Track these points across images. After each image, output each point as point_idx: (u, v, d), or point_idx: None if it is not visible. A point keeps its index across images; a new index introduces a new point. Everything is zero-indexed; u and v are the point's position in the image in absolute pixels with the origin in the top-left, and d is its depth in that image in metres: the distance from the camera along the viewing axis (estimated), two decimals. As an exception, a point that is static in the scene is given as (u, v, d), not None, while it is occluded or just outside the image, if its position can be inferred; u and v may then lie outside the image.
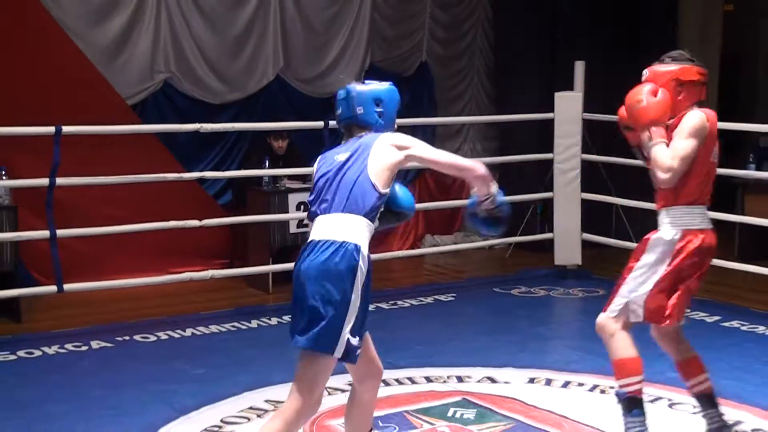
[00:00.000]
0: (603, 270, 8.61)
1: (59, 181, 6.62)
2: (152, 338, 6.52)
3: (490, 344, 6.45)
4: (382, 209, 3.81)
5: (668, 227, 4.19)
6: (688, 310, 4.54)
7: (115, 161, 7.31)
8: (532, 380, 5.59)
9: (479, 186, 3.88)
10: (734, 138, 10.25)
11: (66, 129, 6.58)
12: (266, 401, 5.18)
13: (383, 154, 3.77)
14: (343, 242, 3.63)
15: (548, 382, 5.57)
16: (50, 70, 7.63)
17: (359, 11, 9.27)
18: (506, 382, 5.54)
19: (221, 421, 4.87)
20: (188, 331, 6.67)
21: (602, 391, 5.42)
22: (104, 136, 7.24)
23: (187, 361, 5.97)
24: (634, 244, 8.33)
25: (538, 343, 6.55)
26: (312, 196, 3.83)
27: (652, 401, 5.26)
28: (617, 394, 4.21)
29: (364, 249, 3.67)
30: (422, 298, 7.75)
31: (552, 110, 8.57)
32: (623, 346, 4.18)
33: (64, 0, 7.78)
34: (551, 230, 8.75)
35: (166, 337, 6.56)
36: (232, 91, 8.66)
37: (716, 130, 4.23)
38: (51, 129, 6.53)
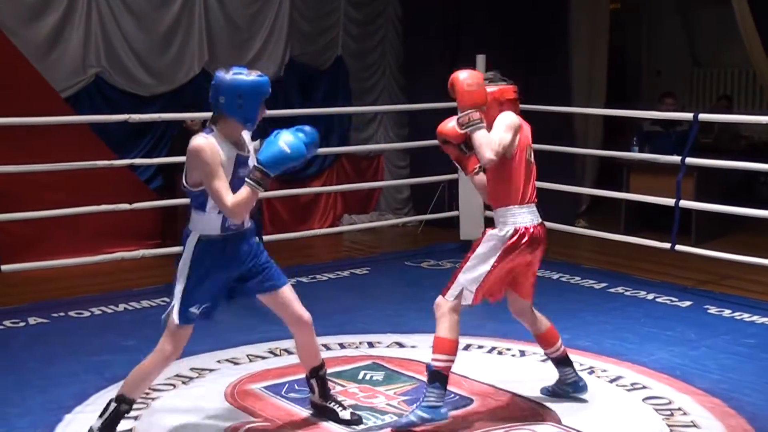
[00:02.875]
0: (503, 244, 8.72)
1: (-4, 168, 6.49)
2: (86, 314, 6.42)
3: (400, 312, 6.47)
4: (201, 199, 3.95)
5: (500, 225, 4.30)
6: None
7: (50, 150, 7.14)
8: (436, 344, 5.63)
9: None
10: (620, 123, 10.47)
11: (1, 120, 6.46)
12: (191, 369, 5.14)
13: (186, 159, 3.95)
14: (185, 229, 4.08)
15: (451, 345, 5.61)
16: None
17: (279, 9, 9.19)
18: (413, 347, 5.57)
19: (149, 388, 4.81)
20: (121, 307, 6.58)
21: (499, 353, 5.50)
22: (40, 126, 7.07)
23: (119, 334, 5.89)
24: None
25: (444, 310, 6.59)
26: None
27: (543, 360, 5.34)
28: (427, 366, 4.30)
29: (194, 235, 4.00)
30: (339, 272, 7.74)
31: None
32: (448, 327, 4.29)
33: (-1, -1, 7.61)
34: (457, 208, 8.80)
35: (99, 312, 6.46)
36: (161, 84, 8.54)
37: (529, 135, 4.36)
38: (-13, 120, 6.39)
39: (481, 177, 4.49)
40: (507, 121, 4.21)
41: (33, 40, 7.81)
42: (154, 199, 8.01)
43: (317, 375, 4.40)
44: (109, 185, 7.65)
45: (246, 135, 4.08)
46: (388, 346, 5.59)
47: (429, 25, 9.94)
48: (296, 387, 4.83)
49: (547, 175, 8.33)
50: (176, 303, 3.99)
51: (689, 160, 7.18)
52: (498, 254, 4.25)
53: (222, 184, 3.84)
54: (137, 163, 7.86)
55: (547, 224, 8.50)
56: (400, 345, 5.61)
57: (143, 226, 8.22)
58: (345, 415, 4.37)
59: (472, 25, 9.86)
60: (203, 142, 3.87)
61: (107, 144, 7.99)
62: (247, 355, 5.41)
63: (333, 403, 4.42)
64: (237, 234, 4.06)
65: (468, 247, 8.34)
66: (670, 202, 7.28)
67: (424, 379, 4.88)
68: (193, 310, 4.00)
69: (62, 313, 6.38)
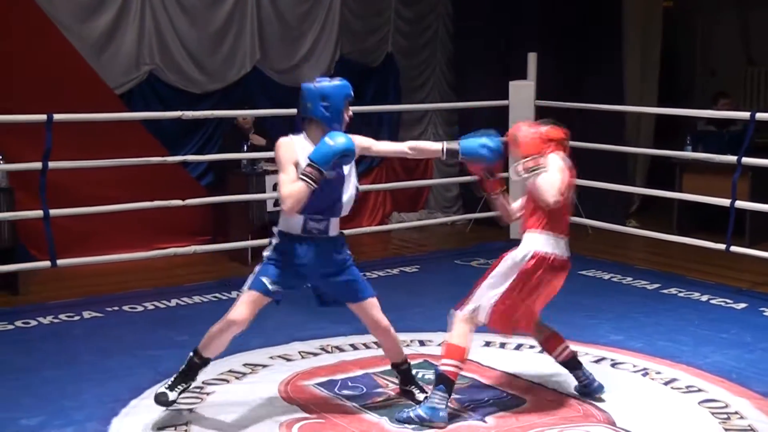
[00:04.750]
0: (554, 243, 8.66)
1: (51, 164, 6.57)
2: (139, 308, 6.50)
3: (450, 311, 6.44)
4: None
5: (522, 248, 4.40)
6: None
7: (104, 146, 7.27)
8: (487, 343, 5.61)
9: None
10: (674, 122, 10.35)
11: (57, 117, 6.53)
12: (244, 365, 5.18)
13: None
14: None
15: (502, 345, 5.60)
16: (43, 63, 7.56)
17: (330, 7, 9.23)
18: (464, 346, 5.55)
19: (203, 382, 4.85)
20: (173, 302, 6.65)
21: (551, 353, 5.46)
22: (94, 123, 7.17)
23: (172, 329, 5.95)
24: (584, 220, 8.55)
25: (494, 309, 6.56)
26: None
27: (596, 361, 5.31)
28: (435, 368, 4.44)
29: (276, 230, 4.34)
30: (389, 270, 7.75)
31: (507, 98, 8.58)
32: (460, 334, 4.40)
33: (55, -3, 7.72)
34: (507, 207, 8.75)
35: (152, 307, 6.53)
36: (213, 82, 8.61)
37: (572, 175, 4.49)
38: (43, 117, 6.48)
39: (502, 200, 4.67)
40: (557, 164, 4.39)
41: (88, 37, 7.92)
42: (205, 195, 8.09)
43: (398, 369, 4.66)
44: (162, 181, 7.74)
45: None
46: (439, 345, 5.52)
47: (480, 23, 9.90)
48: (349, 384, 4.85)
49: (598, 174, 8.31)
50: (253, 273, 4.30)
51: (744, 159, 7.08)
52: (515, 278, 4.36)
53: (286, 177, 4.16)
54: (189, 159, 7.93)
55: (598, 224, 8.53)
56: (451, 344, 5.59)
57: (195, 223, 8.31)
58: (420, 397, 4.54)
59: (522, 23, 9.82)
60: (283, 139, 4.30)
61: (159, 140, 8.08)
62: (299, 352, 5.44)
63: (412, 386, 4.64)
64: (319, 239, 4.31)
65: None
66: (725, 202, 7.19)
67: (476, 377, 4.94)
68: (265, 280, 4.25)
69: (116, 308, 6.47)
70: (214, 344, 4.35)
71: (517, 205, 4.72)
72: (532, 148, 4.38)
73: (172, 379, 4.36)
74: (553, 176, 4.33)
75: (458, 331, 4.40)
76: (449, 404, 4.45)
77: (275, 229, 4.36)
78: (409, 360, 4.70)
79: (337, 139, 4.14)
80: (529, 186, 4.40)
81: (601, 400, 4.65)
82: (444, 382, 4.32)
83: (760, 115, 7.26)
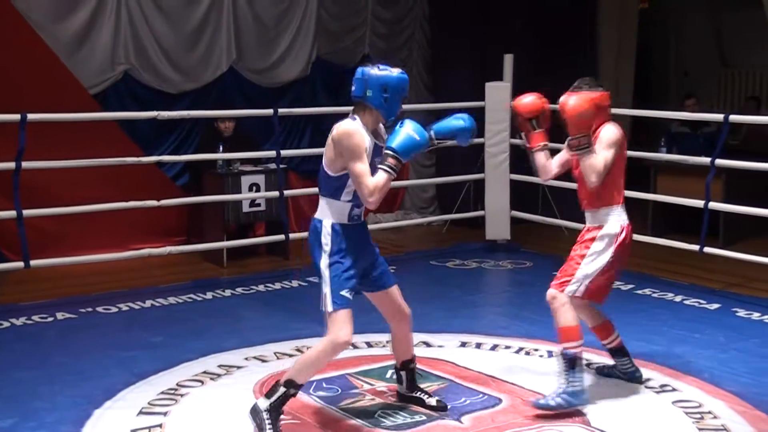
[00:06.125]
0: (530, 244, 8.70)
1: (25, 164, 6.52)
2: (114, 309, 6.45)
3: (426, 312, 6.43)
4: (348, 185, 4.07)
5: (613, 223, 4.58)
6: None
7: (79, 147, 7.19)
8: (463, 344, 5.62)
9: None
10: (645, 124, 10.40)
11: (31, 116, 6.48)
12: (219, 366, 5.15)
13: (329, 146, 4.09)
14: (314, 218, 4.15)
15: (478, 345, 5.60)
16: (17, 62, 7.49)
17: (306, 8, 9.20)
18: (440, 346, 5.56)
19: (177, 384, 4.83)
20: (148, 303, 6.61)
21: (527, 353, 5.47)
22: (68, 123, 7.11)
23: (147, 330, 5.91)
24: (558, 221, 8.59)
25: (470, 310, 6.58)
26: None
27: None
28: (564, 354, 4.49)
29: (326, 222, 4.11)
30: (365, 271, 7.73)
31: (483, 99, 8.59)
32: (571, 316, 4.51)
33: (29, -4, 7.65)
34: (483, 208, 8.78)
35: (126, 308, 6.49)
36: (188, 82, 8.57)
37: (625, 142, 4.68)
38: (16, 116, 6.43)
39: (541, 156, 4.77)
40: (610, 137, 4.54)
41: (63, 36, 7.86)
42: (180, 196, 8.04)
43: (408, 368, 4.57)
44: (137, 182, 7.70)
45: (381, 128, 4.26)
46: (415, 345, 5.53)
47: (456, 24, 9.92)
48: (324, 385, 4.83)
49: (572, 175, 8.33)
50: (327, 291, 4.09)
51: (718, 161, 7.12)
52: (612, 250, 4.54)
53: (366, 168, 4.01)
54: (165, 160, 7.88)
55: (573, 225, 8.53)
56: (427, 344, 5.59)
57: (170, 223, 8.27)
58: (431, 402, 4.53)
59: (499, 24, 9.83)
60: (353, 126, 4.07)
61: (135, 141, 8.03)
62: (275, 353, 5.41)
63: (419, 392, 4.59)
64: (361, 224, 4.26)
65: (494, 246, 8.31)
66: (699, 203, 7.22)
67: (453, 378, 4.94)
68: (344, 293, 4.10)
69: (90, 309, 6.41)
70: (311, 371, 4.18)
71: (555, 162, 4.82)
72: (579, 126, 4.48)
73: (268, 421, 4.08)
74: (594, 159, 4.47)
75: (566, 314, 4.50)
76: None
77: (326, 222, 4.13)
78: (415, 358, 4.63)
79: (418, 131, 4.08)
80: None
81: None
82: (576, 364, 4.46)
83: (734, 117, 7.32)
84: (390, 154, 4.01)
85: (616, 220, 4.59)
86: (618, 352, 4.92)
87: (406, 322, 4.49)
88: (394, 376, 4.67)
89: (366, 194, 4.00)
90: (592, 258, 4.55)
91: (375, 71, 4.12)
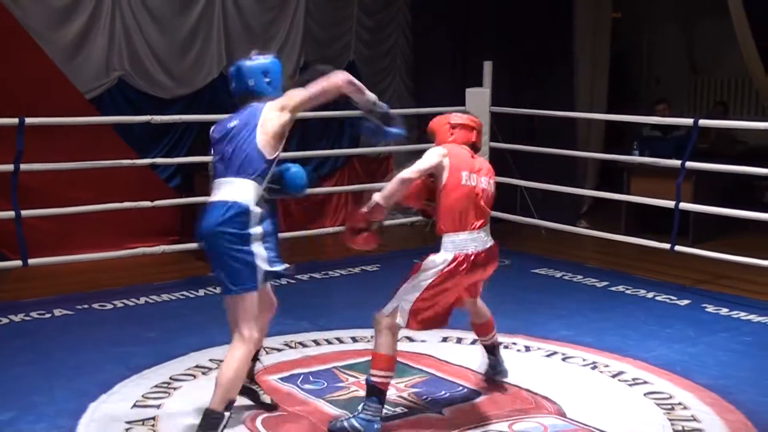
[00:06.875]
0: (510, 243, 8.69)
1: (23, 167, 6.50)
2: (109, 306, 6.43)
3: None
4: (272, 170, 3.94)
5: (441, 252, 4.20)
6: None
7: (75, 150, 7.15)
8: (445, 339, 5.64)
9: (358, 97, 4.06)
10: (620, 128, 10.45)
11: (29, 120, 6.47)
12: (210, 360, 5.14)
13: (269, 121, 3.91)
14: (234, 202, 3.81)
15: (459, 340, 5.62)
16: (14, 68, 7.45)
17: (294, 16, 9.20)
18: (422, 341, 5.57)
19: (170, 378, 4.83)
20: (142, 300, 6.59)
21: (505, 347, 5.45)
22: (65, 126, 7.08)
23: (141, 326, 5.90)
24: (536, 220, 8.61)
25: (451, 306, 6.58)
26: (214, 160, 4.02)
27: (548, 355, 5.35)
28: (366, 380, 4.19)
29: (252, 204, 3.83)
30: (351, 269, 7.74)
31: (464, 104, 8.60)
32: (385, 343, 4.18)
33: (27, 4, 7.60)
34: (464, 208, 8.78)
35: (121, 305, 6.47)
36: (181, 87, 8.54)
37: (470, 163, 4.30)
38: (15, 120, 6.41)
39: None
40: (422, 161, 4.28)
41: (59, 43, 7.82)
42: (173, 197, 8.03)
43: (256, 357, 4.34)
44: (131, 183, 7.67)
45: None
46: (398, 341, 5.56)
47: (437, 32, 9.96)
48: (311, 378, 4.84)
49: (551, 177, 8.38)
50: (261, 264, 3.87)
51: (688, 164, 7.16)
52: (434, 278, 4.16)
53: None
54: (158, 162, 7.88)
55: (551, 225, 8.56)
56: (410, 339, 5.60)
57: (163, 223, 8.23)
58: (265, 398, 4.41)
59: (479, 33, 9.88)
60: None
61: (129, 144, 8.01)
62: (264, 348, 5.39)
63: (256, 386, 4.43)
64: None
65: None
66: (670, 204, 7.26)
67: (434, 372, 4.95)
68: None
69: (86, 306, 6.39)
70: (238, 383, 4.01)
71: None
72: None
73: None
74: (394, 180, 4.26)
75: (381, 341, 4.18)
76: (411, 398, 4.45)
77: (252, 205, 3.84)
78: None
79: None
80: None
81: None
82: (375, 393, 4.13)
83: (703, 122, 7.37)
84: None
85: (450, 247, 4.19)
86: (491, 349, 4.75)
87: (273, 312, 4.28)
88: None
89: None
90: (414, 282, 4.21)
91: (249, 62, 4.08)
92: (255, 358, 4.34)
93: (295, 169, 4.27)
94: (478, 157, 4.46)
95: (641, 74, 12.85)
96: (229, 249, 3.81)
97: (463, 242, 4.21)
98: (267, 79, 4.05)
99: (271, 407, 4.39)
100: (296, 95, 3.95)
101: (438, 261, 4.19)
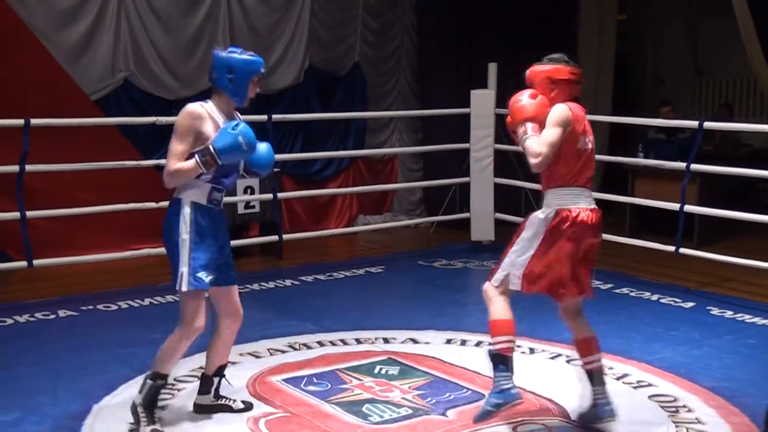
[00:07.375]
0: (513, 245, 8.69)
1: (28, 167, 6.51)
2: (114, 307, 6.43)
3: (413, 310, 6.46)
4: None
5: (544, 208, 4.09)
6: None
7: (80, 151, 7.16)
8: (449, 341, 5.62)
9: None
10: (624, 130, 10.42)
11: (34, 121, 6.48)
12: (214, 361, 5.13)
13: None
14: (172, 198, 4.01)
15: (463, 342, 5.61)
16: (20, 68, 7.46)
17: (299, 18, 9.20)
18: (427, 343, 5.56)
19: (174, 379, 4.81)
20: (146, 301, 6.59)
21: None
22: (70, 127, 7.09)
23: (145, 327, 5.88)
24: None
25: (456, 308, 6.58)
26: None
27: (552, 357, 5.34)
28: (488, 352, 4.11)
29: (186, 200, 3.95)
30: (355, 270, 7.73)
31: (469, 106, 8.60)
32: (499, 308, 4.09)
33: (32, 5, 7.61)
34: (468, 210, 8.79)
35: (126, 306, 6.47)
36: (186, 88, 8.53)
37: (583, 122, 4.11)
38: (20, 121, 6.41)
39: None
40: (554, 117, 4.00)
41: (65, 44, 7.83)
42: (178, 198, 8.02)
43: (221, 374, 4.37)
44: (136, 184, 7.66)
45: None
46: (402, 342, 5.57)
47: (442, 34, 9.94)
48: (315, 380, 4.83)
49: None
50: (185, 270, 3.94)
51: (693, 166, 7.14)
52: (541, 238, 4.03)
53: (179, 149, 3.91)
54: (163, 163, 7.84)
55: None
56: (414, 341, 5.59)
57: (168, 224, 8.22)
58: (239, 404, 4.39)
59: (483, 35, 9.86)
60: (196, 108, 3.96)
61: (134, 145, 8.01)
62: (268, 349, 5.41)
63: (224, 399, 4.39)
64: (218, 211, 4.10)
65: (479, 247, 8.32)
66: (675, 206, 7.24)
67: (438, 374, 4.93)
68: (202, 275, 3.96)
69: (91, 307, 6.39)
70: (171, 361, 4.23)
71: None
72: (517, 115, 4.10)
73: (143, 415, 4.14)
74: (530, 142, 4.00)
75: (495, 307, 4.07)
76: (415, 400, 4.44)
77: (185, 201, 3.97)
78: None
79: (249, 139, 3.91)
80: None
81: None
82: (502, 361, 4.03)
83: (708, 124, 7.34)
84: (210, 152, 3.86)
85: (550, 203, 4.06)
86: (594, 376, 4.24)
87: (238, 324, 4.28)
88: (214, 385, 4.38)
89: (164, 172, 3.92)
90: (520, 246, 4.07)
91: (222, 53, 3.98)
92: (221, 375, 4.38)
93: (263, 144, 4.19)
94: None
95: (646, 75, 12.82)
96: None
97: (568, 197, 4.07)
98: (229, 76, 3.93)
99: (250, 407, 4.41)
100: (172, 142, 3.93)
101: (541, 217, 4.07)
